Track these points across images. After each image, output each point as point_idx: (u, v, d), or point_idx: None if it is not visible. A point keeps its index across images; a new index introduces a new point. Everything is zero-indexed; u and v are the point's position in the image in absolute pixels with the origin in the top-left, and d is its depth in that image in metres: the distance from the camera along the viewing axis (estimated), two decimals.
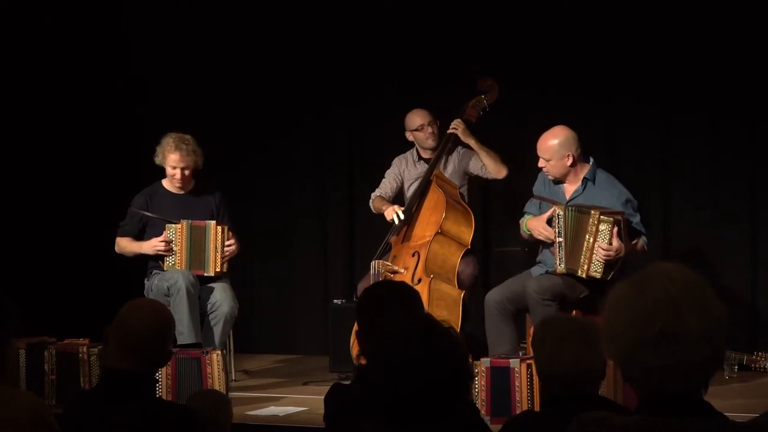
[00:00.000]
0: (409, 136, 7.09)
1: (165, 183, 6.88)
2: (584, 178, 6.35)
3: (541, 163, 6.35)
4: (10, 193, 7.67)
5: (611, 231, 6.05)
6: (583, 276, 6.12)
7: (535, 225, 6.36)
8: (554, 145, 6.30)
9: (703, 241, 7.28)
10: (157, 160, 6.81)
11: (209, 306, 6.60)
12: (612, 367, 3.65)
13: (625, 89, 7.28)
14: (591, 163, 6.38)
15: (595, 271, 6.09)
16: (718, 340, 2.07)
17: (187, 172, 6.79)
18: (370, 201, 7.13)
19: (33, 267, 7.63)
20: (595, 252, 6.08)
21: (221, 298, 6.59)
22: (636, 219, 6.29)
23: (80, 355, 6.06)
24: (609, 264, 6.07)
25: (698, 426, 2.05)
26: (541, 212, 6.39)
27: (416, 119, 7.03)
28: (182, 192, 6.87)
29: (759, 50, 7.01)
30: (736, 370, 6.51)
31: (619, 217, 6.11)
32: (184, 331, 6.37)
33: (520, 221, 6.52)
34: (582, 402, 2.94)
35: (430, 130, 6.98)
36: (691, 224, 7.35)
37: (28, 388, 5.86)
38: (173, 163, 6.76)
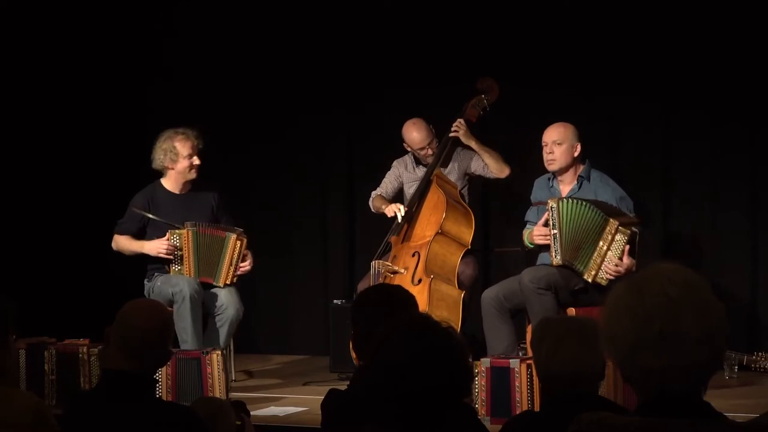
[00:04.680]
0: (407, 147, 7.06)
1: (164, 183, 6.83)
2: (579, 176, 6.39)
3: (549, 149, 6.35)
4: (10, 194, 7.67)
5: (624, 245, 6.07)
6: (589, 280, 6.13)
7: (532, 232, 6.39)
8: (568, 130, 6.36)
9: (703, 240, 7.28)
10: (162, 160, 6.73)
11: (216, 308, 6.59)
12: (612, 367, 3.65)
13: (625, 88, 7.27)
14: (586, 163, 6.41)
15: (601, 278, 6.11)
16: (718, 340, 2.07)
17: (199, 161, 6.75)
18: (370, 200, 7.12)
19: (33, 267, 7.63)
20: (606, 260, 6.09)
21: (228, 302, 6.58)
22: (632, 216, 6.31)
23: (80, 355, 6.05)
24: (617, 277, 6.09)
25: (698, 426, 2.05)
26: (539, 218, 6.41)
27: (416, 140, 6.94)
28: (182, 192, 6.84)
29: (759, 49, 7.01)
30: (736, 370, 6.51)
31: (636, 230, 6.13)
32: (189, 340, 6.36)
33: (523, 233, 6.55)
34: (582, 402, 2.94)
35: (430, 151, 6.95)
36: (691, 223, 7.35)
37: (28, 388, 5.86)
38: (190, 150, 6.71)
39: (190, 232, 6.65)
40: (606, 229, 6.12)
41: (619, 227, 6.09)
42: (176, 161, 6.73)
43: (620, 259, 6.07)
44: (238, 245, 6.68)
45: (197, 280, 6.59)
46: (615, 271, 6.07)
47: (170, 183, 6.82)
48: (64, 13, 7.89)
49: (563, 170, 6.39)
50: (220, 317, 6.58)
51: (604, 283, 6.08)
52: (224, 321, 6.56)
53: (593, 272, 6.12)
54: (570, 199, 6.25)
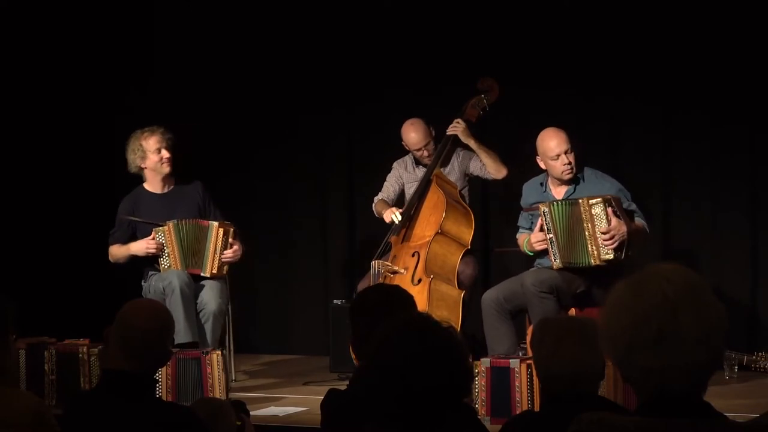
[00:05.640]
0: (405, 147, 7.05)
1: (146, 185, 6.84)
2: (575, 176, 6.38)
3: (567, 160, 6.27)
4: (9, 194, 7.67)
5: (605, 211, 6.09)
6: (597, 262, 6.13)
7: (530, 239, 6.39)
8: (565, 134, 6.31)
9: (703, 240, 7.28)
10: (134, 161, 6.74)
11: (198, 305, 6.60)
12: (612, 367, 3.65)
13: (625, 89, 7.27)
14: None
15: (607, 254, 6.11)
16: (717, 341, 2.06)
17: (169, 154, 6.72)
18: (373, 205, 7.12)
19: (33, 268, 7.62)
20: (598, 237, 6.10)
21: (208, 297, 6.59)
22: (633, 206, 6.31)
23: (80, 355, 6.05)
24: (619, 245, 6.09)
25: (698, 426, 2.05)
26: (533, 224, 6.42)
27: (413, 141, 6.92)
28: (165, 191, 6.83)
29: (759, 50, 7.01)
30: (736, 370, 6.50)
31: (608, 196, 6.15)
32: (180, 330, 6.35)
33: (517, 239, 6.57)
34: (581, 402, 2.94)
35: (426, 152, 6.94)
36: (691, 224, 7.36)
37: (28, 388, 5.85)
38: (157, 144, 6.70)
39: (171, 226, 6.65)
40: (582, 211, 6.14)
41: (590, 201, 6.12)
42: (146, 158, 6.74)
43: (609, 225, 6.09)
44: (221, 233, 6.67)
45: (186, 272, 6.60)
46: (609, 238, 6.08)
47: (150, 184, 6.84)
48: (53, 17, 7.87)
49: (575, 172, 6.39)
50: (203, 313, 6.58)
51: (611, 256, 6.09)
52: (207, 317, 6.56)
53: (596, 253, 6.13)
54: (559, 202, 6.26)
